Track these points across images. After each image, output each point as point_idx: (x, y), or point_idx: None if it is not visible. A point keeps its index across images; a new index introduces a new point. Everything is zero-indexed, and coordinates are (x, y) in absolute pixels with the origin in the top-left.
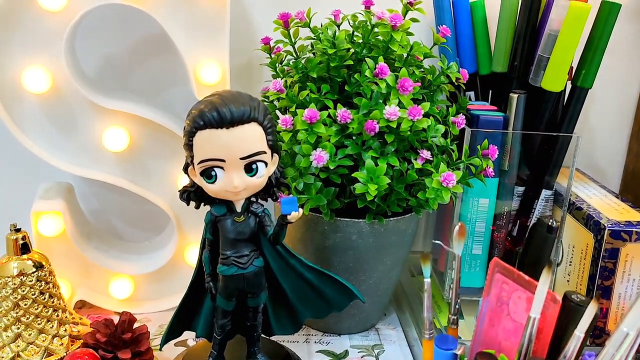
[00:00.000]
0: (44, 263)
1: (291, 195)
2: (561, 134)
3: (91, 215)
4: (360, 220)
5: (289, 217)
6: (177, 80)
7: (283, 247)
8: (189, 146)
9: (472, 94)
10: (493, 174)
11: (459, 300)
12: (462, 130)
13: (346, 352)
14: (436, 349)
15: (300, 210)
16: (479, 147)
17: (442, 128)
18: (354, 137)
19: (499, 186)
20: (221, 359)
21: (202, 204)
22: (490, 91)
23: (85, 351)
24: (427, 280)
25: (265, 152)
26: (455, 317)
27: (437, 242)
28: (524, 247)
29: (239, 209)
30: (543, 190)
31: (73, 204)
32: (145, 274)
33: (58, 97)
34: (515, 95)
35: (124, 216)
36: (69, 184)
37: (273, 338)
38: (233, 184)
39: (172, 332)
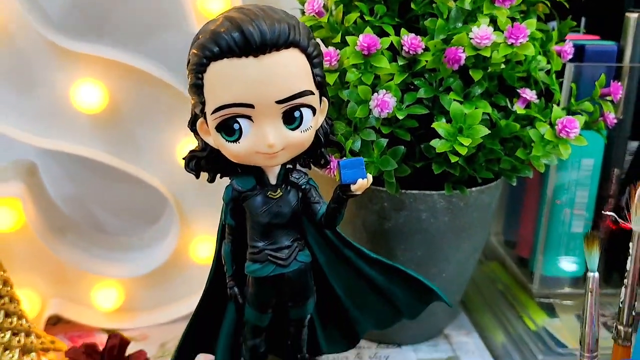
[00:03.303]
0: None
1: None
2: None
3: (64, 204)
4: (434, 192)
5: (352, 187)
6: (170, 19)
7: (335, 232)
8: (197, 88)
9: (554, 24)
10: (615, 121)
11: (635, 303)
12: (562, 67)
13: None
14: None
15: (369, 176)
16: (596, 83)
17: (544, 60)
18: (425, 76)
19: (608, 141)
20: None
21: (218, 175)
22: (583, 19)
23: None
24: (594, 274)
25: (312, 93)
26: (629, 330)
27: (608, 213)
28: None
29: (273, 180)
30: None
31: (37, 188)
32: (139, 277)
33: (7, 41)
34: (634, 15)
35: (107, 204)
36: (30, 163)
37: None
38: (267, 141)
39: (183, 356)
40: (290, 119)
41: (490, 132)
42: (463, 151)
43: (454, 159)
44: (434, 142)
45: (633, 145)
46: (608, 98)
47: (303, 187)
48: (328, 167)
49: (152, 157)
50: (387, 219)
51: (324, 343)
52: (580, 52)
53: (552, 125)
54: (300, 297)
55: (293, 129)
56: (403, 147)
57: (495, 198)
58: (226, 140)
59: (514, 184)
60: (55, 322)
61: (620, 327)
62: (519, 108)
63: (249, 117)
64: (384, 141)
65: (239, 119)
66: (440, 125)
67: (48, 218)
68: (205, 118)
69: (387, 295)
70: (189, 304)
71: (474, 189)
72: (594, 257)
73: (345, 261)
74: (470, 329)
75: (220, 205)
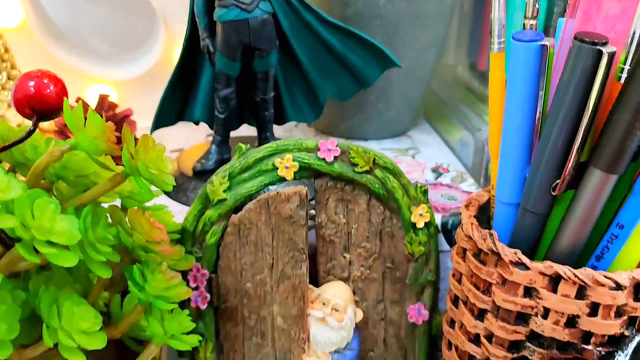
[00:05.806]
0: None
1: None
2: None
3: (62, 30)
4: None
5: None
6: None
7: None
8: None
9: None
10: None
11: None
12: None
13: None
14: (514, 44)
15: None
16: None
17: None
18: None
19: None
20: (226, 145)
21: None
22: None
23: (44, 72)
24: None
25: None
26: (534, 22)
27: None
28: None
29: None
30: None
31: None
32: (129, 80)
33: None
34: None
35: (102, 32)
36: None
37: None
38: None
39: (163, 115)
40: None
41: None
42: None
43: None
44: None
45: None
46: None
47: None
48: None
49: None
50: (347, 4)
51: (289, 109)
52: None
53: None
54: (264, 45)
55: None
56: None
57: None
58: None
59: None
60: None
61: (527, 21)
62: None
63: None
64: None
65: None
66: None
67: (46, 24)
68: None
69: (345, 62)
70: None
71: None
72: None
73: (306, 26)
74: (431, 131)
75: None
